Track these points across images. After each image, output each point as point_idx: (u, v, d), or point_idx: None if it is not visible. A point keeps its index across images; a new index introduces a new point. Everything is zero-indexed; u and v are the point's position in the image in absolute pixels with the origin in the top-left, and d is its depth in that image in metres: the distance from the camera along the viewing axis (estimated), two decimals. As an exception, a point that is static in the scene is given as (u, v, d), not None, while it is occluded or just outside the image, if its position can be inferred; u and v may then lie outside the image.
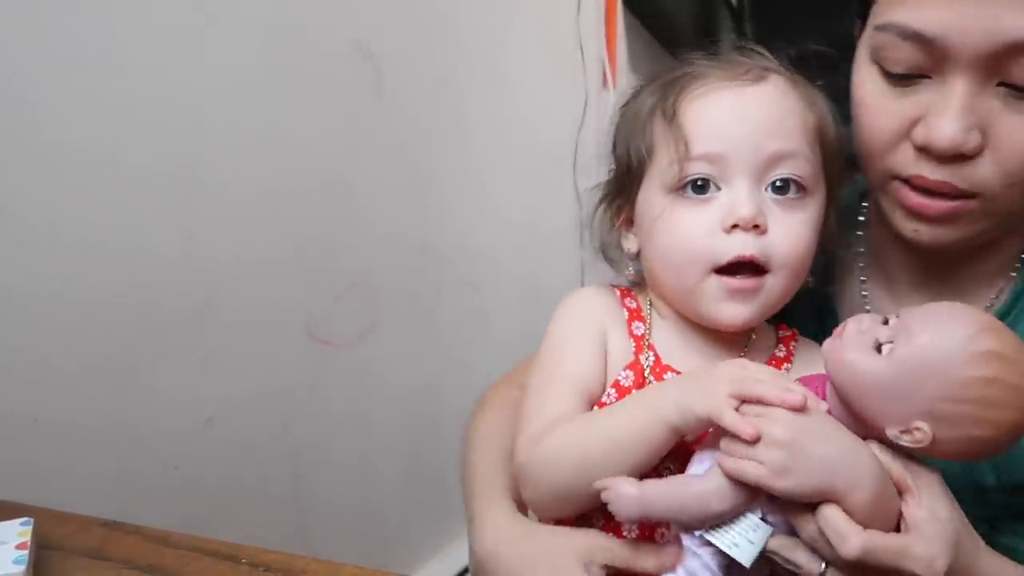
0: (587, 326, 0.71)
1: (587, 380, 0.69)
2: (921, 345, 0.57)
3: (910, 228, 0.67)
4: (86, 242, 0.92)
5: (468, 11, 1.55)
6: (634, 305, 0.74)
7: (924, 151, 0.63)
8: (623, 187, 0.73)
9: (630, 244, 0.74)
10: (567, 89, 1.89)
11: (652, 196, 0.69)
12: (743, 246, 0.65)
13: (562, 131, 1.69)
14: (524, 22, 1.76)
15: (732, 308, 0.67)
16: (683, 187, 0.67)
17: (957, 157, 0.62)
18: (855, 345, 0.60)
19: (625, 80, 1.89)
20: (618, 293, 0.75)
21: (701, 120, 0.67)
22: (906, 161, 0.65)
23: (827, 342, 0.63)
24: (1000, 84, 0.61)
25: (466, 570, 1.58)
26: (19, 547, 0.60)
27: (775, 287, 0.67)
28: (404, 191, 1.39)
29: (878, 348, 0.60)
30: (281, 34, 1.15)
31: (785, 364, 0.72)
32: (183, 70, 1.02)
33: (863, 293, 0.79)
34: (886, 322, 0.61)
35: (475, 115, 1.59)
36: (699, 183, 0.66)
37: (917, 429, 0.58)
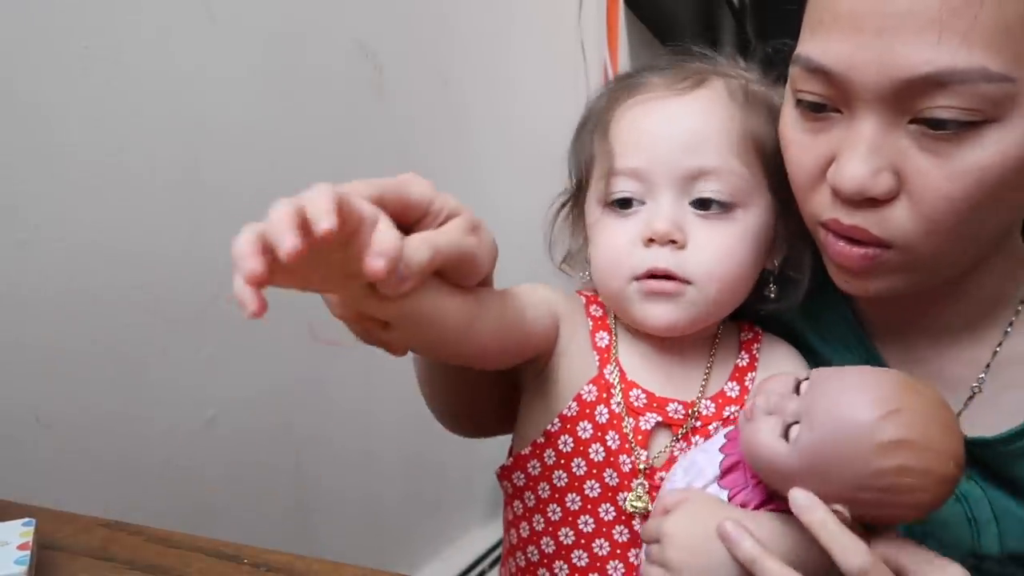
0: (540, 293, 0.70)
1: (523, 303, 0.67)
2: (824, 434, 0.55)
3: (841, 280, 0.65)
4: (89, 241, 0.92)
5: (469, 11, 1.55)
6: (599, 313, 0.73)
7: (837, 194, 0.60)
8: (577, 194, 0.75)
9: (586, 245, 0.74)
10: (568, 89, 1.89)
11: (590, 208, 0.71)
12: (656, 259, 0.66)
13: (563, 131, 1.68)
14: (525, 22, 1.76)
15: (655, 309, 0.67)
16: (611, 203, 0.68)
17: (868, 201, 0.58)
18: (762, 430, 0.59)
19: (626, 79, 1.89)
20: (583, 300, 0.74)
21: (626, 134, 0.68)
22: (824, 204, 0.62)
23: (740, 417, 0.62)
24: (912, 121, 0.56)
25: (468, 570, 1.59)
26: (21, 547, 0.60)
27: (700, 299, 0.66)
28: (405, 191, 1.39)
29: (787, 430, 0.58)
30: (282, 34, 1.15)
31: (749, 373, 0.71)
32: (185, 70, 1.02)
33: (854, 316, 0.76)
34: (799, 387, 0.59)
35: (476, 115, 1.59)
36: (624, 201, 0.67)
37: (836, 511, 0.56)
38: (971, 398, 0.69)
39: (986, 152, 0.55)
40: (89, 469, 0.93)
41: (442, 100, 1.49)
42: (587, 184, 0.72)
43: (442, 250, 0.53)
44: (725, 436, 0.65)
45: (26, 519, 0.64)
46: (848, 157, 0.58)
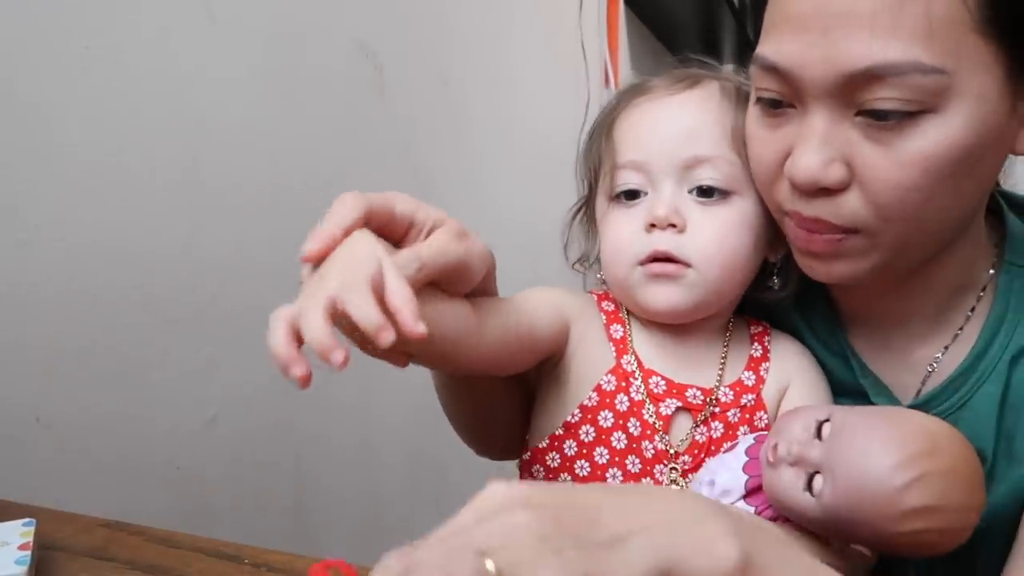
0: (546, 296, 0.73)
1: (529, 308, 0.69)
2: (847, 496, 0.57)
3: (805, 264, 0.67)
4: (89, 241, 0.92)
5: (470, 10, 1.55)
6: (612, 307, 0.75)
7: (793, 185, 0.63)
8: (588, 198, 0.78)
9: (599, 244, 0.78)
10: (569, 88, 1.89)
11: (600, 204, 0.75)
12: (657, 242, 0.69)
13: (564, 130, 1.69)
14: (526, 21, 1.76)
15: (658, 292, 0.70)
16: (617, 196, 0.72)
17: (823, 192, 0.61)
18: (785, 480, 0.60)
19: (627, 79, 1.90)
20: (595, 297, 0.77)
21: (628, 131, 0.72)
22: (784, 196, 0.65)
23: (762, 457, 0.63)
24: (858, 113, 0.59)
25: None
26: (22, 548, 0.60)
27: (700, 281, 0.69)
28: (406, 190, 1.39)
29: (810, 480, 0.59)
30: (283, 34, 1.15)
31: (763, 363, 0.74)
32: (186, 70, 1.02)
33: (830, 308, 0.78)
34: (820, 430, 0.60)
35: (477, 115, 1.59)
36: (629, 192, 0.71)
37: (858, 552, 0.59)
38: (928, 376, 0.72)
39: (928, 141, 0.58)
40: (89, 469, 0.93)
41: (443, 100, 1.49)
42: (596, 179, 0.75)
43: (427, 262, 0.56)
44: (746, 452, 0.66)
45: (27, 519, 0.64)
46: (802, 150, 0.61)
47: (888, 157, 0.59)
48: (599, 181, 0.74)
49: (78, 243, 0.91)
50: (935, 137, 0.57)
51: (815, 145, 0.60)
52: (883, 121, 0.58)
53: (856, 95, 0.58)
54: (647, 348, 0.73)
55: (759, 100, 0.65)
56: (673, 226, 0.68)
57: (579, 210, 0.80)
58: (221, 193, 1.06)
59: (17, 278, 0.86)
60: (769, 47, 0.62)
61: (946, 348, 0.71)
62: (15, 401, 0.87)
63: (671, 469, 0.68)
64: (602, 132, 0.75)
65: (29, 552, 0.60)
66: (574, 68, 1.92)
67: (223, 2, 1.05)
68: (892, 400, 0.72)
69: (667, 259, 0.69)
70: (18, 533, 0.62)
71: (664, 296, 0.69)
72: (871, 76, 0.57)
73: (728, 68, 0.77)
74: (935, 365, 0.72)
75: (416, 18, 1.41)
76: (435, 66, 1.46)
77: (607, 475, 0.69)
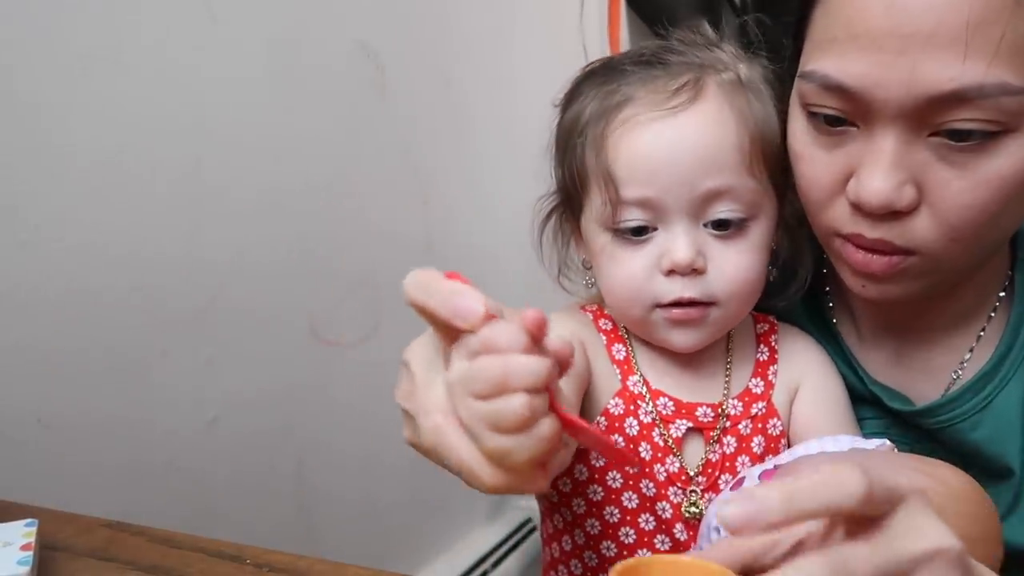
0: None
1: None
2: None
3: (857, 284, 0.65)
4: (89, 242, 0.92)
5: (471, 10, 1.55)
6: (609, 326, 0.72)
7: (858, 208, 0.60)
8: (569, 203, 0.71)
9: (583, 253, 0.73)
10: (570, 88, 1.89)
11: (592, 230, 0.68)
12: (682, 289, 0.65)
13: (565, 130, 1.69)
14: (527, 21, 1.75)
15: (681, 335, 0.67)
16: (619, 230, 0.65)
17: (892, 214, 0.59)
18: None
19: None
20: (590, 315, 0.73)
21: (630, 160, 0.64)
22: (843, 218, 0.62)
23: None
24: (931, 135, 0.57)
25: (471, 570, 1.58)
26: (24, 548, 0.60)
27: (723, 315, 0.67)
28: (407, 190, 1.39)
29: None
30: (284, 34, 1.15)
31: (771, 367, 0.72)
32: (187, 70, 1.02)
33: (833, 319, 0.77)
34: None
35: (478, 114, 1.58)
36: (635, 228, 0.65)
37: None
38: (952, 383, 0.71)
39: (1005, 161, 0.56)
40: (91, 470, 0.93)
41: (444, 100, 1.49)
42: (580, 196, 0.69)
43: None
44: (759, 478, 0.65)
45: (29, 520, 0.64)
46: (870, 172, 0.59)
47: (963, 178, 0.57)
48: (584, 195, 0.68)
49: (78, 243, 0.91)
50: (1013, 157, 0.56)
51: (886, 167, 0.58)
52: (960, 143, 0.56)
53: (933, 117, 0.56)
54: (652, 367, 0.70)
55: (813, 115, 0.62)
56: (695, 270, 0.64)
57: (550, 213, 0.74)
58: (222, 193, 1.06)
59: (17, 279, 0.86)
60: (830, 64, 0.59)
61: (971, 350, 0.71)
62: (16, 402, 0.86)
63: (690, 492, 0.67)
64: (587, 141, 0.68)
65: (31, 552, 0.60)
66: (576, 68, 1.91)
67: (224, 2, 1.05)
68: (909, 405, 0.71)
69: (690, 303, 0.65)
70: (20, 534, 0.62)
71: (686, 338, 0.67)
72: (956, 99, 0.55)
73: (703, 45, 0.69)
74: (960, 372, 0.71)
75: (417, 18, 1.41)
76: (436, 66, 1.46)
77: (622, 499, 0.68)
